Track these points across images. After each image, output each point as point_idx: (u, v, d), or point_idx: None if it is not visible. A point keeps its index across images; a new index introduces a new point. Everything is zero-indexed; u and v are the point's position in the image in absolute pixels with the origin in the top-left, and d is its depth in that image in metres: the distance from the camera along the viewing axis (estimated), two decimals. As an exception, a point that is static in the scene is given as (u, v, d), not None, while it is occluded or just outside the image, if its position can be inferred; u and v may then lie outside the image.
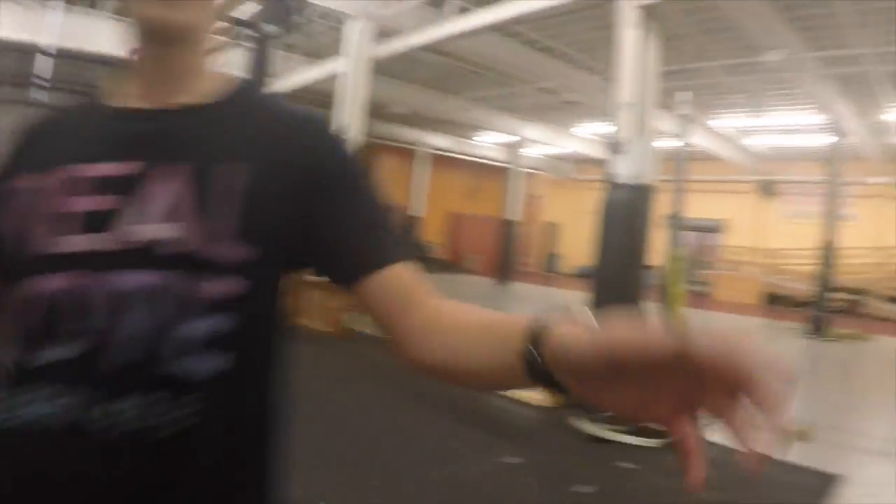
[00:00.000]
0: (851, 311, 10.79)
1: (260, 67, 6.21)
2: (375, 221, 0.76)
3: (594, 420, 4.67)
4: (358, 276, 0.73)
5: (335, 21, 9.62)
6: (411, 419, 4.76)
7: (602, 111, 11.78)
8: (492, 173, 20.72)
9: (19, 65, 10.43)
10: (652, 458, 4.17)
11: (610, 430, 4.54)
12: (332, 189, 0.74)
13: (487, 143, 19.74)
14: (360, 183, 0.78)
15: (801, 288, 13.57)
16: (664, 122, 9.66)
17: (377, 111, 14.18)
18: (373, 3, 8.90)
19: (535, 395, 5.37)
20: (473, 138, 19.57)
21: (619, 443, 4.40)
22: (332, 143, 0.78)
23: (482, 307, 0.70)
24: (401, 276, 0.73)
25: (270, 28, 5.99)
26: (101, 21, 10.07)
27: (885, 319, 13.65)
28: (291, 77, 11.37)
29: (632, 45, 5.53)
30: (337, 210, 0.74)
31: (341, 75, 9.30)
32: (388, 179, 19.47)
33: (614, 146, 5.35)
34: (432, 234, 20.35)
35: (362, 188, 0.78)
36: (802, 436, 4.67)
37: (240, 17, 6.07)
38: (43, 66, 10.11)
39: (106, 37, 9.87)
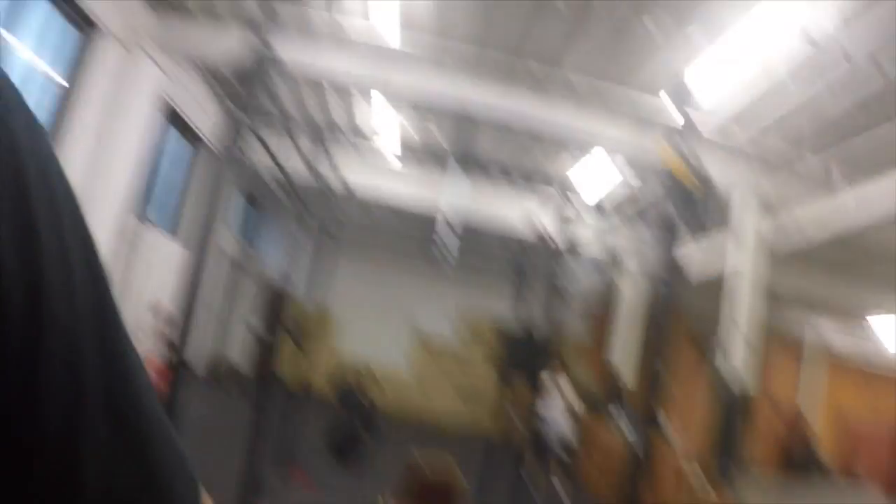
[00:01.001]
0: None
1: (668, 255, 5.53)
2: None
3: None
4: None
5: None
6: None
7: None
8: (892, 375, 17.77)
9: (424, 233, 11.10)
10: None
11: None
12: None
13: (884, 336, 17.21)
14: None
15: None
16: None
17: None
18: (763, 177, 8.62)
19: None
20: (864, 328, 17.31)
21: None
22: None
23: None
24: None
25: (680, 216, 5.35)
26: (508, 196, 10.27)
27: None
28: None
29: None
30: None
31: (734, 262, 8.83)
32: (776, 378, 17.88)
33: None
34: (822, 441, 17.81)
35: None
36: None
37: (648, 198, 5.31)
38: (447, 235, 10.23)
39: (514, 212, 10.09)
